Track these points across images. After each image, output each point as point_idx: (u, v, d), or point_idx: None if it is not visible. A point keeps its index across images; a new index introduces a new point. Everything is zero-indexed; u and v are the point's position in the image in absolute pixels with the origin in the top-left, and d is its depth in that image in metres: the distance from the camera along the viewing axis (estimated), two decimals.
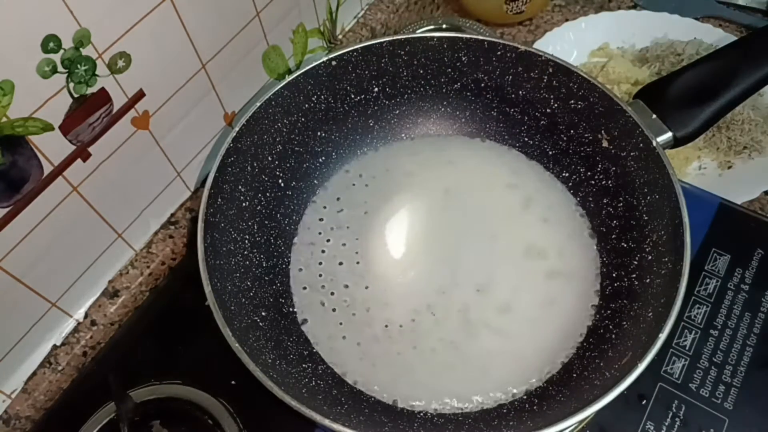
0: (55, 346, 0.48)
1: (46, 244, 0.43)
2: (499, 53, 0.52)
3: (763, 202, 0.54)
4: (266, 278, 0.48)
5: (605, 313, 0.46)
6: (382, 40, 0.52)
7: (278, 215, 0.52)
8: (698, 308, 0.47)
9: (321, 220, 0.53)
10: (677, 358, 0.45)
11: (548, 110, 0.52)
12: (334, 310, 0.48)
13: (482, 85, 0.54)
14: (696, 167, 0.57)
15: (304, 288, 0.49)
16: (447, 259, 0.50)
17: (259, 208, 0.50)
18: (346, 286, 0.49)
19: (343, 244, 0.51)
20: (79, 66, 0.39)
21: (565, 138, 0.52)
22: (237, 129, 0.48)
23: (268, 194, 0.51)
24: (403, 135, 0.57)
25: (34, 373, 0.47)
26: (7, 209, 0.39)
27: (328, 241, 0.51)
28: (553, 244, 0.50)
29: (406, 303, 0.48)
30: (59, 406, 0.47)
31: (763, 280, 0.48)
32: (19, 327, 0.45)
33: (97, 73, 0.40)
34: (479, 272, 0.49)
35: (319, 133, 0.54)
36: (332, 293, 0.49)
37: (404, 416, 0.44)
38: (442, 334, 0.47)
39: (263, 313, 0.46)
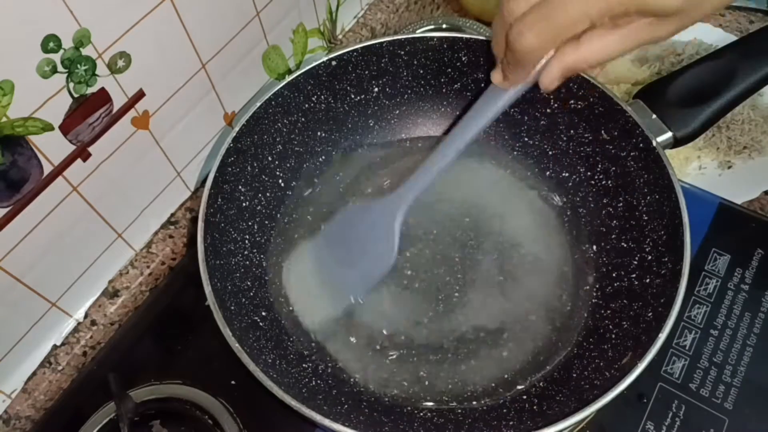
0: (55, 346, 0.48)
1: (46, 244, 0.43)
2: None
3: (763, 202, 0.54)
4: (266, 278, 0.49)
5: (605, 313, 0.46)
6: (382, 40, 0.52)
7: (278, 215, 0.52)
8: (698, 308, 0.47)
9: None
10: (677, 358, 0.45)
11: (548, 110, 0.52)
12: None
13: (482, 85, 0.54)
14: (696, 167, 0.57)
15: None
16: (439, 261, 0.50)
17: (259, 208, 0.50)
18: None
19: None
20: (79, 66, 0.39)
21: (565, 138, 0.52)
22: (237, 129, 0.48)
23: (268, 194, 0.51)
24: (403, 135, 0.57)
25: (34, 373, 0.47)
26: (7, 209, 0.39)
27: None
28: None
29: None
30: (59, 406, 0.47)
31: (763, 280, 0.48)
32: (19, 327, 0.45)
33: (97, 73, 0.40)
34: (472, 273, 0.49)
35: (319, 133, 0.54)
36: None
37: (404, 416, 0.44)
38: (439, 336, 0.47)
39: (263, 313, 0.46)
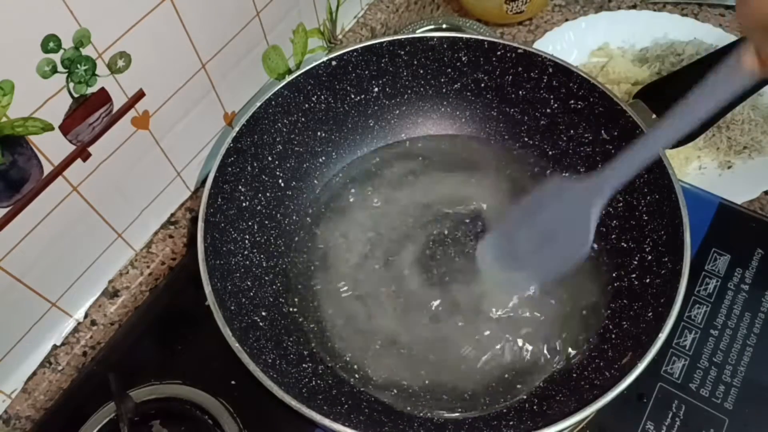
0: (55, 346, 0.48)
1: (46, 244, 0.43)
2: (499, 53, 0.52)
3: (763, 202, 0.54)
4: (266, 278, 0.49)
5: (605, 313, 0.46)
6: (382, 40, 0.52)
7: (278, 215, 0.52)
8: (698, 308, 0.47)
9: None
10: (677, 358, 0.45)
11: (548, 110, 0.52)
12: None
13: (482, 85, 0.54)
14: (696, 167, 0.57)
15: None
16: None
17: (259, 208, 0.50)
18: None
19: None
20: (79, 66, 0.39)
21: (565, 138, 0.52)
22: (237, 129, 0.48)
23: (268, 194, 0.51)
24: (403, 135, 0.57)
25: (34, 373, 0.47)
26: (7, 209, 0.39)
27: None
28: None
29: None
30: (59, 406, 0.47)
31: (763, 280, 0.48)
32: (19, 327, 0.45)
33: (97, 73, 0.40)
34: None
35: (319, 133, 0.54)
36: None
37: (404, 416, 0.44)
38: (439, 336, 0.47)
39: (263, 313, 0.46)
